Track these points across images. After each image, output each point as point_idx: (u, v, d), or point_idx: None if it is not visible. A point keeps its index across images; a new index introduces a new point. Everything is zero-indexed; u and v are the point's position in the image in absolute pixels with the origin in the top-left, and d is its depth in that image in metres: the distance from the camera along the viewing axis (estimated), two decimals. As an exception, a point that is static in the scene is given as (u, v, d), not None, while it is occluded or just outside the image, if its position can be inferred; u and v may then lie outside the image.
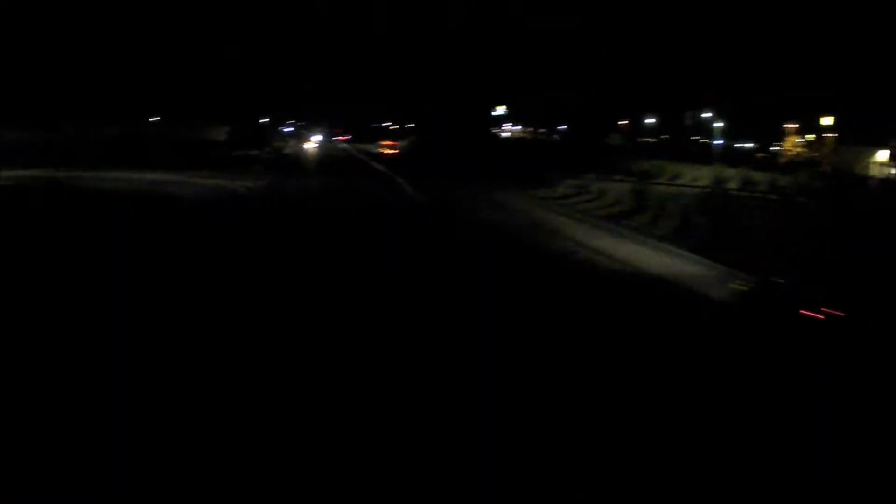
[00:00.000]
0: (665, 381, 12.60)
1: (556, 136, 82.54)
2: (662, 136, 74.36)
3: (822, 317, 15.55)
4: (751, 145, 72.60)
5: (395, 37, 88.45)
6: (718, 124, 68.15)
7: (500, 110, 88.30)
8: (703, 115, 70.05)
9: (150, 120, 79.52)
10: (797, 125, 72.74)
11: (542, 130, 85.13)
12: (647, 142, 74.69)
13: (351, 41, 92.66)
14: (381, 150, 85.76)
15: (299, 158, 75.04)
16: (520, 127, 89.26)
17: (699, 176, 57.77)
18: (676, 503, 8.39)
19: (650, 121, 73.80)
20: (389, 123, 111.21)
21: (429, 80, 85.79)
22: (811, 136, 72.50)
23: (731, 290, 20.20)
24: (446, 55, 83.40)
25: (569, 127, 79.47)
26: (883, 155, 72.53)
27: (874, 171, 68.03)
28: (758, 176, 57.12)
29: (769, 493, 8.52)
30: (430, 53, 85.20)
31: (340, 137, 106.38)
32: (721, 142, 68.33)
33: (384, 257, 24.20)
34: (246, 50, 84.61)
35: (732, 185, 54.08)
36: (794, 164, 67.12)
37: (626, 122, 76.30)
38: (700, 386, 12.48)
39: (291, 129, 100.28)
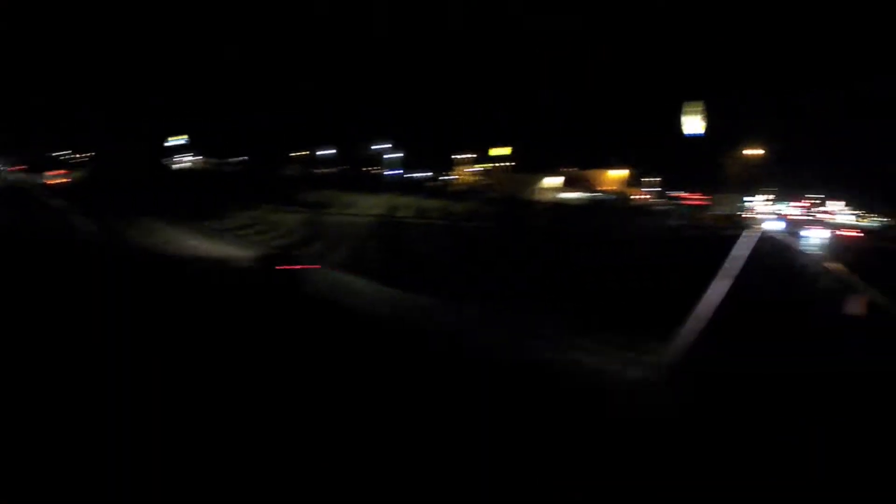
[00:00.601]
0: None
1: (233, 167, 79.98)
2: (340, 167, 74.84)
3: (298, 267, 24.67)
4: (426, 175, 75.32)
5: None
6: (394, 155, 69.71)
7: (179, 140, 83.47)
8: (380, 146, 71.18)
9: None
10: (472, 155, 77.53)
11: (221, 161, 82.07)
12: (325, 172, 74.35)
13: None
14: (47, 181, 77.54)
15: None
16: (201, 157, 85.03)
17: (373, 205, 58.07)
18: (676, 503, 8.28)
19: (328, 152, 74.10)
20: (67, 153, 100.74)
21: (102, 107, 78.52)
22: (487, 165, 77.93)
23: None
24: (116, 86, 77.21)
25: (248, 157, 77.42)
26: (551, 181, 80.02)
27: (543, 196, 74.63)
28: (430, 203, 58.83)
29: (769, 493, 8.50)
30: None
31: (16, 167, 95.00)
32: (397, 172, 69.93)
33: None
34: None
35: (405, 212, 55.27)
36: (468, 192, 70.53)
37: (305, 152, 76.07)
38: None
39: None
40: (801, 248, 51.76)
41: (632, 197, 78.22)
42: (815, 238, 60.74)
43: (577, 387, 14.22)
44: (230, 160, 79.76)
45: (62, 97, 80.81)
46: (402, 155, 70.55)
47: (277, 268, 24.49)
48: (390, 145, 70.05)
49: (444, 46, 72.43)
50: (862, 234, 66.92)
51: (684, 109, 71.68)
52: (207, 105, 73.49)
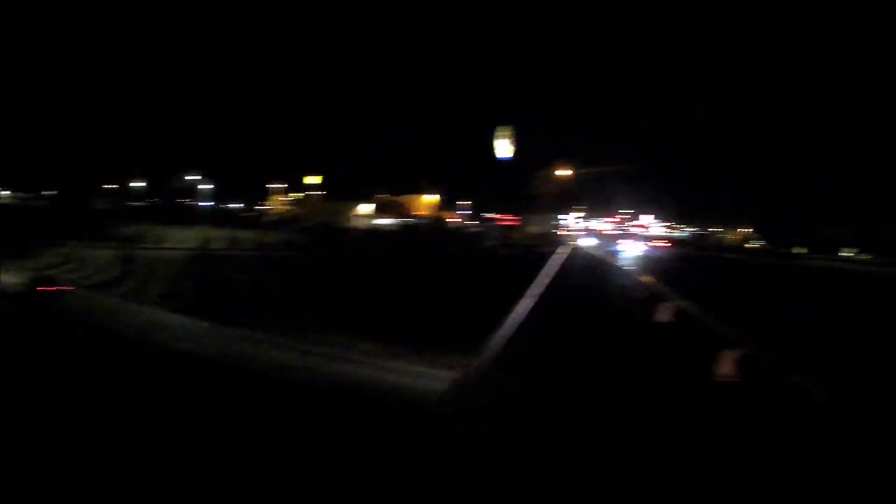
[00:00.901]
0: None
1: (43, 202, 76.28)
2: (151, 200, 74.19)
3: (54, 289, 25.98)
4: (239, 205, 76.06)
5: None
6: (206, 185, 70.06)
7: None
8: (193, 177, 71.26)
9: None
10: (284, 185, 78.88)
11: (30, 195, 77.84)
12: (137, 205, 73.19)
13: None
14: None
15: None
16: (8, 192, 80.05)
17: (187, 237, 58.46)
18: (676, 503, 8.13)
19: (139, 184, 73.28)
20: None
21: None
22: (300, 194, 79.60)
23: None
24: None
25: (57, 192, 74.43)
26: (364, 208, 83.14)
27: (357, 223, 77.43)
28: (244, 235, 60.24)
29: (770, 493, 8.30)
30: None
31: None
32: (209, 203, 70.19)
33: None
34: None
35: (219, 245, 56.24)
36: (280, 222, 72.29)
37: (115, 185, 74.56)
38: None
39: None
40: (614, 261, 53.84)
41: (445, 220, 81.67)
42: (627, 250, 65.30)
43: (376, 404, 14.50)
44: (40, 194, 75.80)
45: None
46: (213, 186, 71.08)
47: (38, 289, 25.62)
48: (201, 176, 70.35)
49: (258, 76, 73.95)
50: (671, 245, 72.80)
51: (496, 134, 75.33)
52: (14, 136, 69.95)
